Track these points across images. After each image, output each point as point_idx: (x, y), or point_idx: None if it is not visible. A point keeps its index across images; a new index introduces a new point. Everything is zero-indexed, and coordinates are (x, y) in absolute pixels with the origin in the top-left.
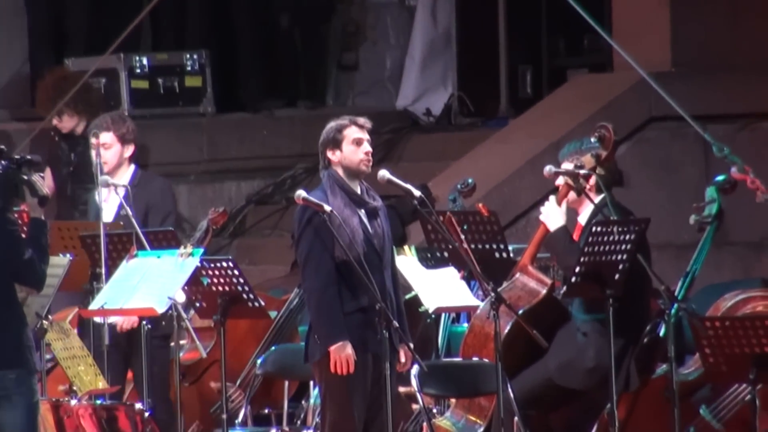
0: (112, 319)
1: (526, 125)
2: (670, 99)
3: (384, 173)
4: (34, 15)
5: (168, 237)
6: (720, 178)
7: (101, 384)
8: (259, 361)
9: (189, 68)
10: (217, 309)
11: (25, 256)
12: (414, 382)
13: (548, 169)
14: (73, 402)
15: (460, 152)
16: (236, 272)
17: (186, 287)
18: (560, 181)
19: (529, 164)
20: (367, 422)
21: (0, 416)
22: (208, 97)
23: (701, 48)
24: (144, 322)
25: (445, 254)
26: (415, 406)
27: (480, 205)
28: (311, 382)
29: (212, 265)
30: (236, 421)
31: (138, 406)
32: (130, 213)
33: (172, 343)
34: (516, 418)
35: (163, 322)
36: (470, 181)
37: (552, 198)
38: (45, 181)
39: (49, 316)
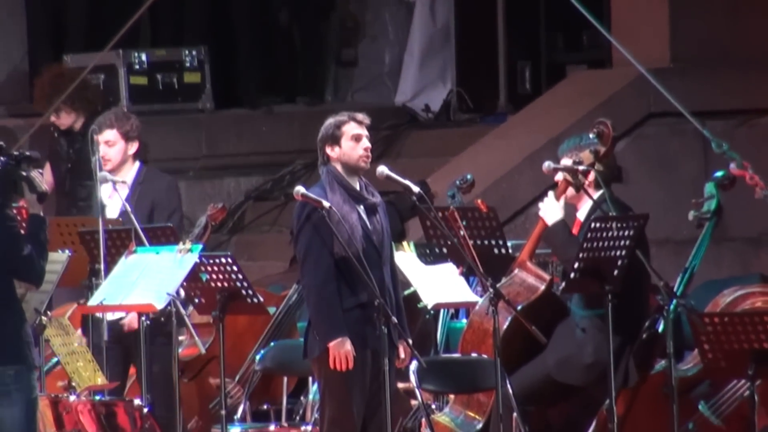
0: (112, 317)
1: (525, 121)
2: (669, 95)
3: (383, 169)
4: (33, 11)
5: (167, 233)
6: (719, 174)
7: (100, 380)
8: (258, 357)
9: (188, 64)
10: (215, 305)
11: (23, 252)
12: (413, 378)
13: (547, 164)
14: (72, 398)
15: (459, 148)
16: (235, 268)
17: (185, 283)
18: (559, 176)
19: (528, 160)
20: (366, 418)
21: None
22: (207, 93)
23: (700, 44)
24: (143, 318)
25: (444, 250)
26: (413, 402)
27: (479, 201)
28: (310, 378)
29: (211, 261)
30: (235, 417)
31: (137, 402)
32: (128, 209)
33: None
34: (515, 414)
35: (162, 318)
36: (469, 177)
37: (551, 193)
38: (44, 178)
39: (48, 312)
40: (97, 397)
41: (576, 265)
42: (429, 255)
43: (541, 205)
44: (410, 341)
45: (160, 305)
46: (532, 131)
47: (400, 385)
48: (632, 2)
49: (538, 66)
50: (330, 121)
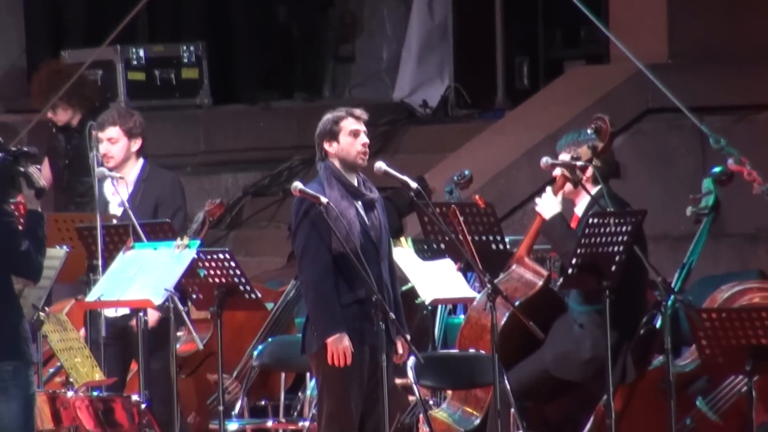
0: (114, 313)
1: (523, 117)
2: (667, 91)
3: (380, 165)
4: (31, 7)
5: (165, 229)
6: (716, 169)
7: (98, 376)
8: (255, 353)
9: (186, 60)
10: (213, 301)
11: (21, 247)
12: (410, 373)
13: (545, 160)
14: (70, 394)
15: (457, 144)
16: (233, 264)
17: (183, 279)
18: (557, 172)
19: (526, 156)
20: (364, 414)
21: None
22: (205, 89)
23: (698, 40)
24: (140, 314)
25: (442, 246)
26: (411, 398)
27: (476, 196)
28: (308, 374)
29: (209, 256)
30: (233, 413)
31: (134, 397)
32: (126, 204)
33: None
34: (512, 410)
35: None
36: (467, 172)
37: (548, 189)
38: (42, 173)
39: (46, 308)
40: (95, 393)
41: (574, 261)
42: (427, 251)
43: (538, 200)
44: (408, 337)
45: (157, 301)
46: (530, 127)
47: (398, 380)
48: None
49: (535, 62)
50: (328, 116)
